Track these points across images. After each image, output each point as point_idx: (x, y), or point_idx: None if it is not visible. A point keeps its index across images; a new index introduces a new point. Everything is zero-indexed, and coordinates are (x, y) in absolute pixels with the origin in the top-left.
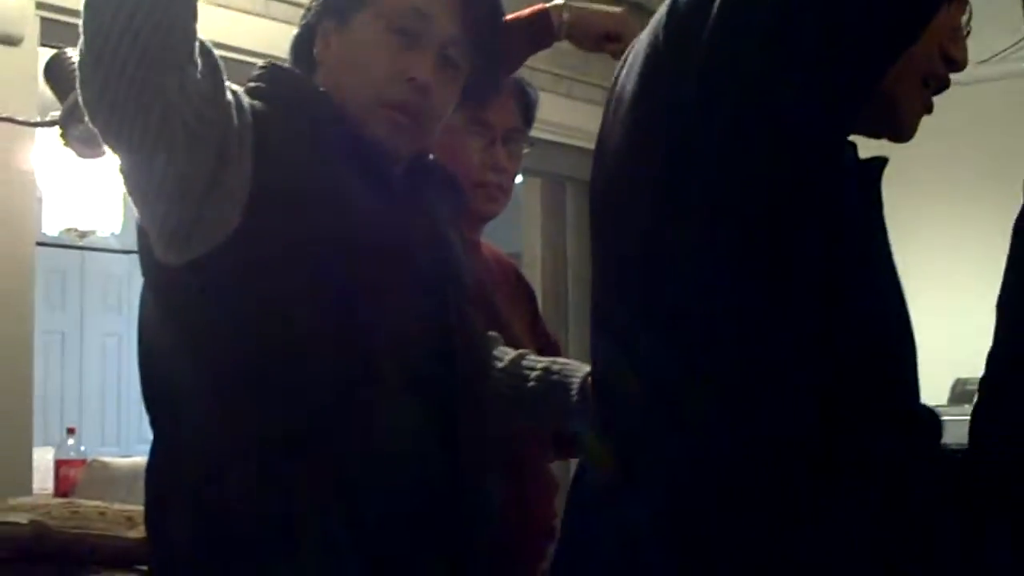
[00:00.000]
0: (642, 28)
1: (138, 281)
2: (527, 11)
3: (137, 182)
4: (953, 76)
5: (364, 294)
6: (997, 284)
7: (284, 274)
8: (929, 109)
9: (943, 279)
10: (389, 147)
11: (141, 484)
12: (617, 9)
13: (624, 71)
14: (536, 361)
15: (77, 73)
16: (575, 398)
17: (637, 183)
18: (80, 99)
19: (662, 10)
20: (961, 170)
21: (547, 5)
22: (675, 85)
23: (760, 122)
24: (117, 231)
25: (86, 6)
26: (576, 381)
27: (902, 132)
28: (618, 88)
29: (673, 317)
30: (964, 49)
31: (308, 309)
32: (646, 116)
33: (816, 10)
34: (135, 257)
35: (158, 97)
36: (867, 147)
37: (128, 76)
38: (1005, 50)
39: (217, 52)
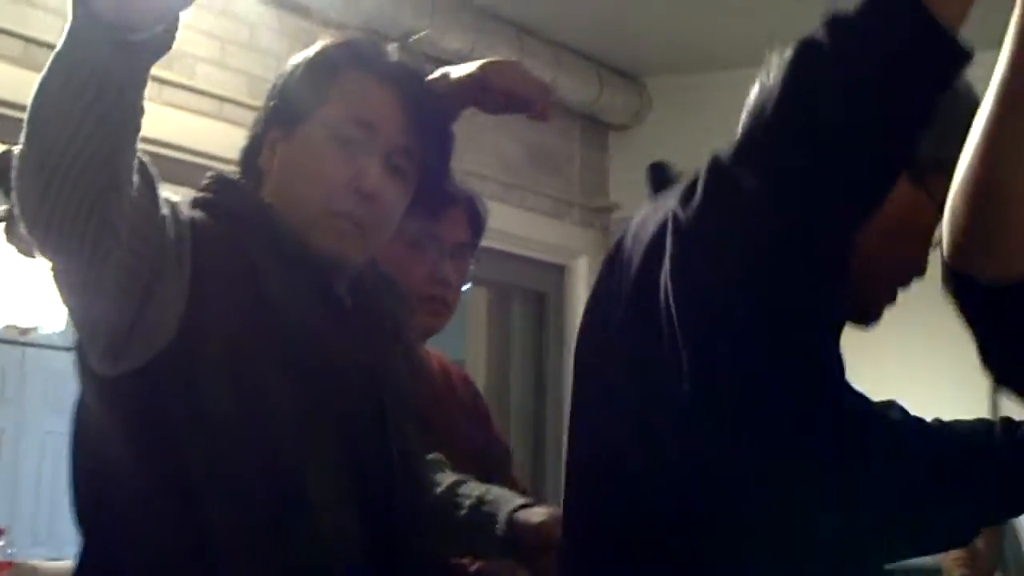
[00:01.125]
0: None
1: None
2: None
3: (71, 293)
4: None
5: (299, 415)
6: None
7: (217, 391)
8: (894, 300)
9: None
10: (335, 258)
11: None
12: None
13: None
14: (472, 489)
15: (14, 183)
16: (500, 532)
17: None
18: (17, 208)
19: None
20: None
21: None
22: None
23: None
24: (60, 328)
25: (29, 120)
26: (504, 514)
27: (867, 322)
28: (624, 253)
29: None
30: (928, 258)
31: (240, 428)
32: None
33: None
34: None
35: (94, 215)
36: None
37: (67, 194)
38: None
39: (171, 153)
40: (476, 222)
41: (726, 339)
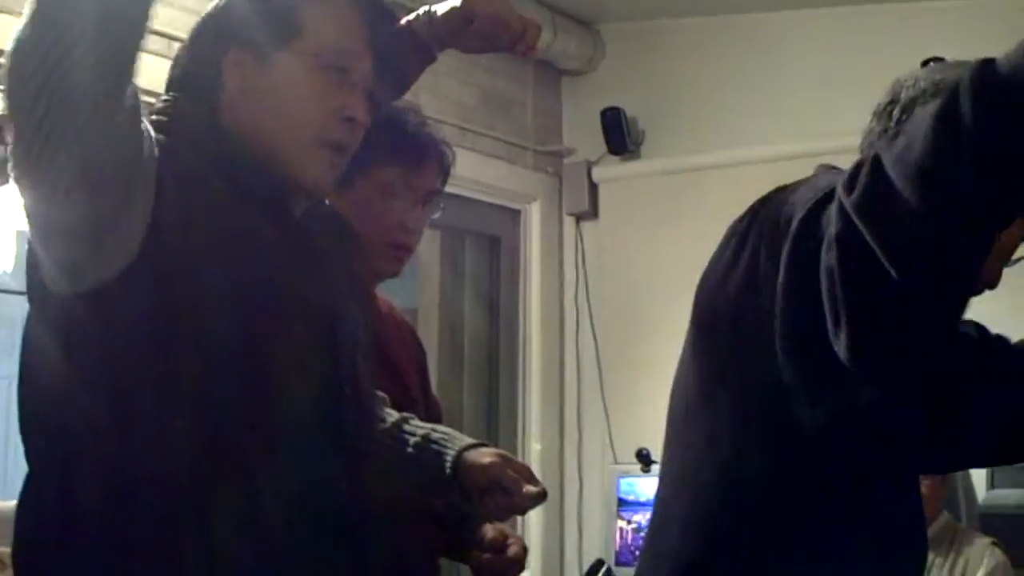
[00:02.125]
0: None
1: None
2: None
3: (44, 218)
4: None
5: (252, 343)
6: None
7: (173, 314)
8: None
9: None
10: (314, 188)
11: None
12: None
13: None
14: (418, 427)
15: (11, 98)
16: (448, 471)
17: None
18: (15, 130)
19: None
20: None
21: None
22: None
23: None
24: (9, 269)
25: (20, 60)
26: (452, 453)
27: None
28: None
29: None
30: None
31: (195, 353)
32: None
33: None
34: None
35: (98, 114)
36: None
37: (64, 120)
38: None
39: None
40: (446, 171)
41: (882, 303)
